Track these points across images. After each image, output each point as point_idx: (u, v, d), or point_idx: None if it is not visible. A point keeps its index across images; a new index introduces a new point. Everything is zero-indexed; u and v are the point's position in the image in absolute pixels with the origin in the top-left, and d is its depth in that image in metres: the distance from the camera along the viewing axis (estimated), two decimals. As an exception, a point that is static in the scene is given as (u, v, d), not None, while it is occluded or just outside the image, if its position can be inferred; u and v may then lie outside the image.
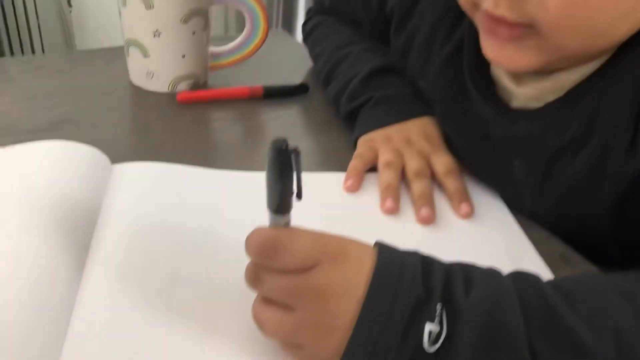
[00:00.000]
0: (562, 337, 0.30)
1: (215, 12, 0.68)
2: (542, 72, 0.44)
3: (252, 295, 0.35)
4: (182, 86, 0.69)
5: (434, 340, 0.30)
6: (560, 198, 0.46)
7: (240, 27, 0.71)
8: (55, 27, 1.85)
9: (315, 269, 0.32)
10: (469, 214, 0.50)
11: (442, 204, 0.51)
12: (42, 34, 1.84)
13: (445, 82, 0.54)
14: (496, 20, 0.40)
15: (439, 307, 0.31)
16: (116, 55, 0.76)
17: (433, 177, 0.53)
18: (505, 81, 0.47)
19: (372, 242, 0.34)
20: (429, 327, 0.30)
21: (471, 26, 0.48)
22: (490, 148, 0.50)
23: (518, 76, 0.46)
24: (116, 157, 0.52)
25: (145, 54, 0.66)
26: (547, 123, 0.44)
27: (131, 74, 0.71)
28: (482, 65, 0.49)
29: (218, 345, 0.35)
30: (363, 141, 0.57)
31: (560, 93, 0.44)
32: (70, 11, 1.84)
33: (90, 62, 0.77)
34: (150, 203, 0.47)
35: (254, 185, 0.43)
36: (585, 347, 0.30)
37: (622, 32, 0.39)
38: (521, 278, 0.33)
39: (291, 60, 0.82)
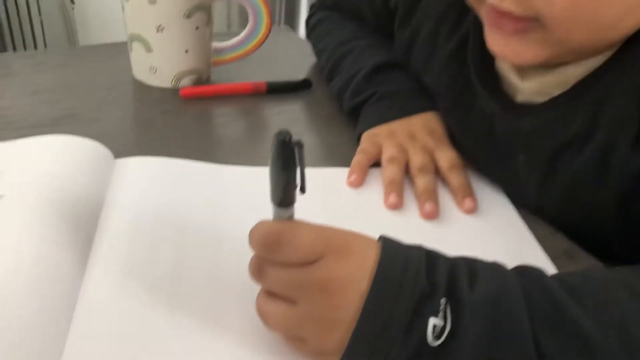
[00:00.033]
0: (567, 331, 0.30)
1: (218, 8, 0.68)
2: (547, 66, 0.44)
3: (255, 288, 0.35)
4: (185, 81, 0.69)
5: (437, 334, 0.30)
6: (564, 193, 0.46)
7: (243, 24, 0.71)
8: (57, 24, 1.85)
9: (319, 263, 0.32)
10: (473, 209, 0.50)
11: (446, 199, 0.51)
12: (45, 30, 1.84)
13: (449, 76, 0.54)
14: (501, 14, 0.40)
15: (443, 301, 0.30)
16: (119, 50, 0.76)
17: (437, 172, 0.53)
18: (510, 75, 0.47)
19: (376, 237, 0.34)
20: (433, 322, 0.30)
21: (476, 20, 0.48)
22: (494, 143, 0.50)
23: (523, 70, 0.46)
24: (119, 152, 0.52)
25: (148, 48, 0.66)
26: (552, 117, 0.44)
27: (134, 69, 0.70)
28: (487, 59, 0.49)
29: (222, 338, 0.35)
30: (367, 136, 0.57)
31: (565, 87, 0.43)
32: (73, 7, 1.84)
33: (93, 57, 0.77)
34: (153, 197, 0.47)
35: (257, 179, 0.43)
36: (590, 341, 0.30)
37: (627, 26, 0.39)
38: (525, 272, 0.33)
39: (294, 56, 0.82)
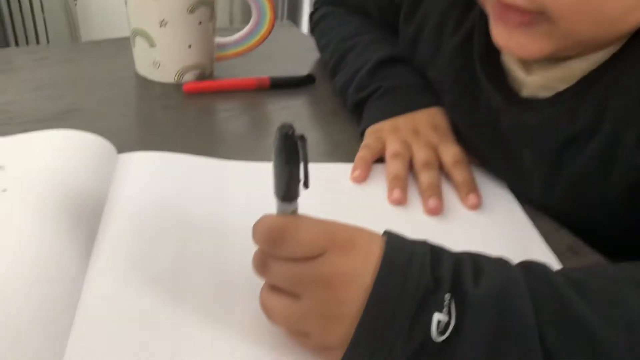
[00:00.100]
0: (572, 327, 0.30)
1: (221, 3, 0.67)
2: (552, 60, 0.43)
3: (259, 282, 0.35)
4: (188, 76, 0.68)
5: (442, 330, 0.30)
6: (569, 188, 0.45)
7: (245, 20, 0.71)
8: (60, 20, 1.85)
9: (323, 257, 0.32)
10: (477, 205, 0.49)
11: (450, 195, 0.51)
12: (48, 26, 1.84)
13: (455, 71, 0.53)
14: (507, 7, 0.40)
15: (447, 297, 0.30)
16: (121, 46, 0.76)
17: (441, 168, 0.53)
18: (515, 69, 0.47)
19: (379, 233, 0.34)
20: (437, 317, 0.30)
21: (481, 14, 0.48)
22: (499, 137, 0.50)
23: (528, 64, 0.46)
24: (122, 148, 0.52)
25: (151, 43, 0.66)
26: (558, 112, 0.44)
27: (137, 64, 0.70)
28: (493, 53, 0.48)
29: (225, 332, 0.35)
30: (370, 132, 0.56)
31: (571, 82, 0.43)
32: (75, 4, 1.84)
33: (96, 52, 0.77)
34: (156, 192, 0.47)
35: (260, 174, 0.43)
36: (595, 336, 0.29)
37: (634, 20, 0.38)
38: (530, 267, 0.33)
39: (297, 51, 0.82)
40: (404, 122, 0.56)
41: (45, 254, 0.38)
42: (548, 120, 0.45)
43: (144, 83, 0.69)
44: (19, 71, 0.70)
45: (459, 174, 0.51)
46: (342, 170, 0.53)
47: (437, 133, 0.55)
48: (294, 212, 0.33)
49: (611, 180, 0.42)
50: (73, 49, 0.84)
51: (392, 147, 0.53)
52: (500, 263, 0.33)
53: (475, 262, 0.33)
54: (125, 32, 0.69)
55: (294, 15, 2.02)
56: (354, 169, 0.52)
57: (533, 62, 0.45)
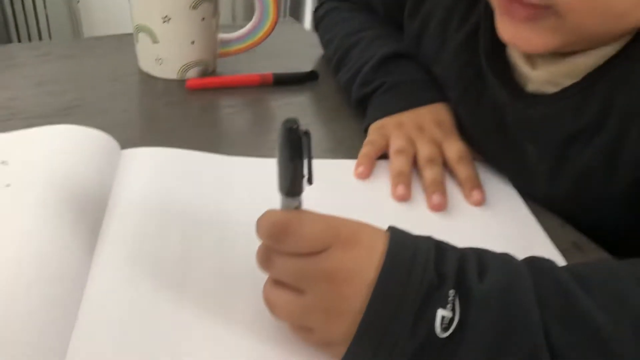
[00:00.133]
0: (577, 322, 0.29)
1: (223, 0, 0.67)
2: (558, 55, 0.43)
3: (263, 277, 0.34)
4: (191, 73, 0.68)
5: (446, 326, 0.29)
6: (574, 183, 0.45)
7: (248, 17, 0.71)
8: (63, 16, 1.85)
9: (327, 253, 0.31)
10: (481, 202, 0.49)
11: (454, 191, 0.51)
12: (50, 22, 1.84)
13: (460, 66, 0.53)
14: (513, 1, 0.40)
15: (451, 292, 0.30)
16: (124, 42, 0.76)
17: (445, 164, 0.52)
18: (520, 64, 0.47)
19: (383, 229, 0.34)
20: (441, 313, 0.30)
21: (487, 9, 0.48)
22: (504, 133, 0.49)
23: (533, 59, 0.46)
24: (125, 144, 0.52)
25: (154, 39, 0.66)
26: (563, 107, 0.44)
27: (140, 60, 0.70)
28: (498, 48, 0.48)
29: (228, 327, 0.35)
30: (374, 128, 0.56)
31: (576, 77, 0.43)
32: (78, 1, 1.84)
33: (99, 48, 0.77)
34: (160, 188, 0.47)
35: (264, 170, 0.43)
36: (600, 331, 0.29)
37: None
38: (535, 263, 0.33)
39: (300, 47, 0.82)
40: (408, 118, 0.56)
41: (49, 249, 0.38)
42: (553, 115, 0.44)
43: (147, 79, 0.69)
44: (22, 67, 0.70)
45: (463, 170, 0.51)
46: (346, 167, 0.53)
47: (441, 129, 0.55)
48: (298, 207, 0.33)
49: (616, 176, 0.42)
50: (76, 45, 0.84)
51: (396, 143, 0.53)
52: (504, 259, 0.33)
53: (479, 258, 0.32)
54: (127, 28, 0.69)
55: (296, 12, 2.02)
56: (357, 165, 0.52)
57: (538, 57, 0.45)
